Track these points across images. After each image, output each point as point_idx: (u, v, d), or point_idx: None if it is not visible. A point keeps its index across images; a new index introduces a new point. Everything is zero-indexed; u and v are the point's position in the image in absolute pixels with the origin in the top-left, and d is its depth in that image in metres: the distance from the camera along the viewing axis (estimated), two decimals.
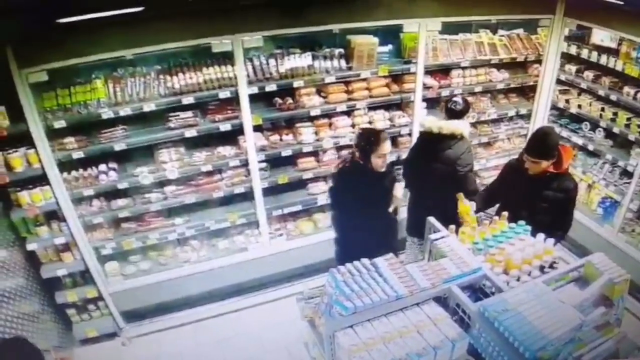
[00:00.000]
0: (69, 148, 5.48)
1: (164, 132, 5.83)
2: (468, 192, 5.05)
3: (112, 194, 5.94)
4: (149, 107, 5.55)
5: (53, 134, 5.34)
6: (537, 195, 4.91)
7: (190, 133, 5.84)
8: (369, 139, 4.97)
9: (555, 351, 2.86)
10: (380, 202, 5.28)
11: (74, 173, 5.67)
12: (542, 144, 4.77)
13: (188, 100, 5.66)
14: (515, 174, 5.10)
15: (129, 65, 5.66)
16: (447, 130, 5.41)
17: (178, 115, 5.83)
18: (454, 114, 5.53)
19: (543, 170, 4.82)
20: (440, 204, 4.99)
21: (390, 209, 5.38)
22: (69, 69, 5.08)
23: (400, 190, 5.56)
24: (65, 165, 5.56)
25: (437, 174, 5.48)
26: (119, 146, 5.64)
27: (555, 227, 4.85)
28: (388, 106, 6.78)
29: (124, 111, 5.48)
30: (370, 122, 6.64)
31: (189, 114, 5.86)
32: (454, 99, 5.58)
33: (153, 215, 6.26)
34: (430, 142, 5.52)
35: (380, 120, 6.68)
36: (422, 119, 5.89)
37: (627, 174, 6.73)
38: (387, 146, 4.95)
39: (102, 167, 5.81)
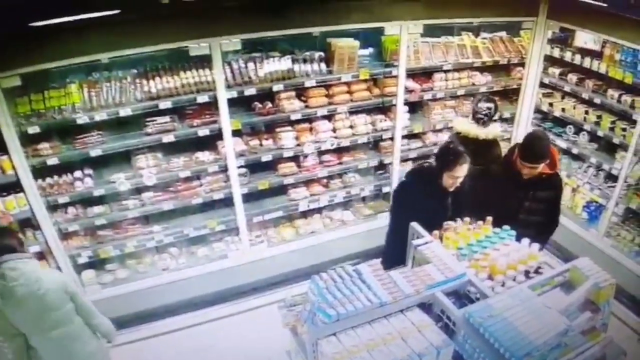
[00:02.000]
0: (43, 154, 5.37)
1: (141, 137, 5.73)
2: None
3: (88, 201, 5.82)
4: (125, 112, 5.45)
5: (27, 140, 5.23)
6: (532, 197, 4.95)
7: (167, 138, 5.75)
8: (447, 155, 4.78)
9: (541, 357, 2.83)
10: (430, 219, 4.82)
11: (48, 180, 5.55)
12: (538, 148, 4.77)
13: (165, 104, 5.58)
14: (505, 179, 5.07)
15: (104, 69, 5.55)
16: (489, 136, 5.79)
17: (155, 120, 5.73)
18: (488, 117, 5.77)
19: (538, 173, 4.83)
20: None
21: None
22: (43, 73, 4.99)
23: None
24: (40, 172, 5.44)
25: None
26: (94, 152, 5.54)
27: (549, 224, 5.09)
28: (369, 110, 6.72)
29: (100, 116, 5.37)
30: (351, 127, 6.59)
31: (167, 118, 5.77)
32: (490, 112, 5.77)
33: (130, 222, 6.15)
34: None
35: (362, 124, 6.62)
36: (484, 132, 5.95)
37: (611, 177, 6.73)
38: (461, 170, 4.68)
39: (78, 173, 5.71)
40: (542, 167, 4.78)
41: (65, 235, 5.82)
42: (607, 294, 3.46)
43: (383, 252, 5.40)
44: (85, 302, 4.59)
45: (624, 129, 6.38)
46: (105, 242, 6.04)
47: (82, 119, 5.32)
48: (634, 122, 6.14)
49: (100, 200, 5.89)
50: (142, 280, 6.26)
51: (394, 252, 4.63)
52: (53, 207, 5.63)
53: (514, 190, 4.95)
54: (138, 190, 5.99)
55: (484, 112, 5.71)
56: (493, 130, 5.80)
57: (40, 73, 4.94)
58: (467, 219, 4.34)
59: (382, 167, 7.09)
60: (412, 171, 5.29)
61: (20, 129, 5.13)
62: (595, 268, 3.54)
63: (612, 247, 6.60)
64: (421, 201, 4.74)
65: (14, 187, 5.25)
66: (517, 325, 2.96)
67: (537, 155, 4.74)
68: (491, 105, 5.88)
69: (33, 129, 5.17)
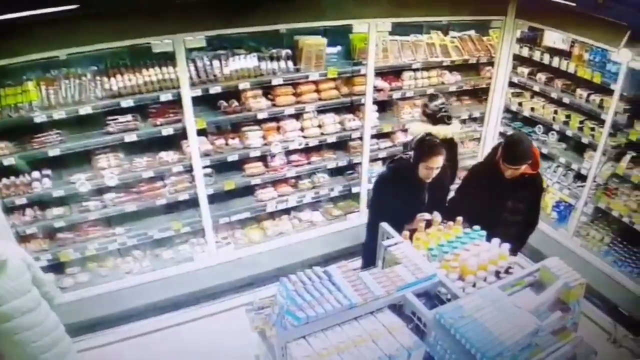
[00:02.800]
0: None
1: (102, 136, 5.59)
2: None
3: (46, 202, 5.66)
4: (85, 110, 5.31)
5: None
6: (515, 197, 4.97)
7: (130, 137, 5.62)
8: (423, 147, 4.83)
9: (512, 357, 2.82)
10: (408, 211, 4.95)
11: (4, 180, 5.40)
12: (521, 150, 4.76)
13: (127, 103, 5.44)
14: (488, 180, 5.05)
15: (63, 66, 5.40)
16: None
17: (117, 119, 5.59)
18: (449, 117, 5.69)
19: (520, 173, 4.82)
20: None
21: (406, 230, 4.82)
22: None
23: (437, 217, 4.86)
24: None
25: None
26: (53, 152, 5.38)
27: (530, 224, 5.18)
28: (338, 109, 6.67)
29: (59, 115, 5.22)
30: (320, 126, 6.53)
31: (129, 117, 5.64)
32: (444, 106, 5.69)
33: (92, 224, 6.00)
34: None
35: (331, 123, 6.57)
36: (443, 133, 5.65)
37: (580, 177, 6.78)
38: (436, 161, 4.74)
39: (36, 174, 5.55)
40: (524, 168, 4.79)
41: (23, 238, 5.64)
42: (577, 294, 3.45)
43: (363, 244, 5.57)
44: (38, 270, 4.63)
45: (592, 129, 6.41)
46: (66, 245, 5.87)
47: (39, 117, 5.16)
48: (603, 122, 6.17)
49: (59, 202, 5.74)
50: (105, 284, 6.09)
51: (374, 245, 4.54)
52: (10, 209, 5.47)
53: (497, 190, 4.94)
54: (99, 191, 5.84)
55: (439, 109, 5.67)
56: (453, 129, 5.75)
57: None
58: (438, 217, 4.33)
59: (351, 167, 7.00)
60: (391, 162, 5.26)
61: None
62: (565, 268, 3.53)
63: (581, 246, 6.63)
64: (399, 193, 4.85)
65: None
66: (488, 325, 2.93)
67: (520, 157, 4.74)
68: (441, 101, 5.84)
69: None
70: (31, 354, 4.55)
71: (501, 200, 4.95)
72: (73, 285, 6.01)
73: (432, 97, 6.00)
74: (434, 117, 5.72)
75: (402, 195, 4.88)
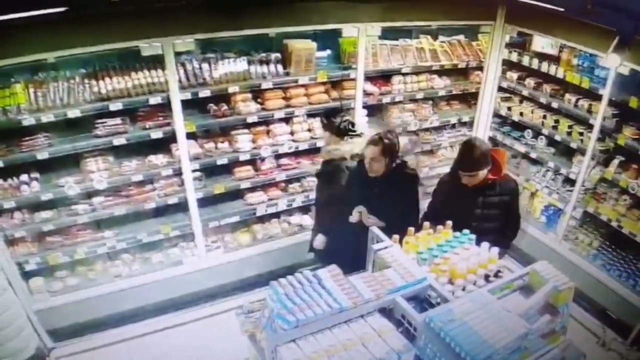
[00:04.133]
0: None
1: (91, 139, 5.56)
2: None
3: (35, 205, 5.62)
4: (73, 113, 5.29)
5: None
6: (482, 204, 4.87)
7: (119, 141, 5.59)
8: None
9: None
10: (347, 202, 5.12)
11: None
12: (472, 156, 4.68)
13: (116, 106, 5.42)
14: (453, 189, 5.00)
15: (51, 69, 5.36)
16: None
17: (105, 122, 5.57)
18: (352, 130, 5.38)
19: (483, 180, 4.76)
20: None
21: (352, 217, 5.09)
22: None
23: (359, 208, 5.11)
24: None
25: None
26: (41, 155, 5.34)
27: (509, 229, 5.05)
28: None
29: (47, 118, 5.19)
30: (309, 130, 6.53)
31: (118, 120, 5.62)
32: (346, 119, 5.36)
33: (80, 227, 5.96)
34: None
35: (320, 127, 6.46)
36: (348, 148, 5.38)
37: (569, 181, 6.80)
38: (367, 152, 4.79)
39: (24, 177, 5.49)
40: (483, 174, 4.72)
41: (11, 242, 5.61)
42: (566, 297, 3.48)
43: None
44: None
45: (581, 134, 6.45)
46: (54, 249, 5.83)
47: (27, 120, 5.13)
48: (591, 127, 6.23)
49: (48, 205, 5.68)
50: (94, 288, 6.06)
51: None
52: None
53: (463, 199, 4.89)
54: (88, 195, 5.81)
55: (340, 122, 5.33)
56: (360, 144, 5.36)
57: None
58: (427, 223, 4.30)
59: None
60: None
61: None
62: (554, 271, 3.55)
63: (570, 250, 6.66)
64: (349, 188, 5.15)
65: None
66: (477, 329, 2.94)
67: (471, 164, 4.69)
68: (343, 113, 5.51)
69: None
70: (13, 333, 4.59)
71: (468, 208, 4.86)
72: (62, 288, 5.98)
73: (333, 111, 5.66)
74: (338, 131, 5.36)
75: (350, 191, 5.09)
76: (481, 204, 4.86)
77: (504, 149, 6.00)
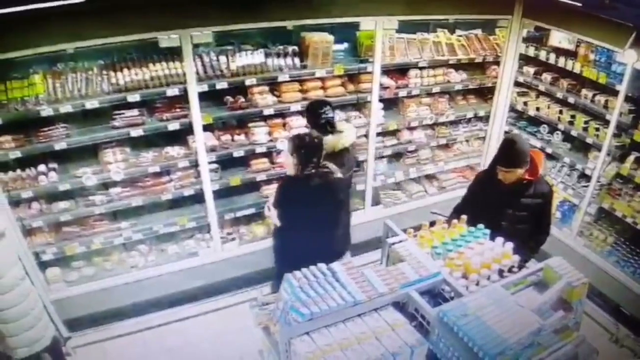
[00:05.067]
0: (5, 147, 5.19)
1: (108, 131, 5.58)
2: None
3: (52, 196, 5.65)
4: (91, 104, 5.30)
5: None
6: (515, 205, 4.81)
7: (136, 132, 5.61)
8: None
9: (514, 356, 2.80)
10: None
11: (11, 174, 5.38)
12: (513, 152, 4.63)
13: (134, 97, 5.43)
14: (488, 186, 4.96)
15: (69, 59, 5.38)
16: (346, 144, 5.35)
17: (123, 114, 5.59)
18: (332, 126, 5.35)
19: (518, 179, 4.71)
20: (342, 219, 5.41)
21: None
22: (5, 63, 4.79)
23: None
24: (2, 166, 5.29)
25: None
26: (59, 145, 5.37)
27: (539, 233, 4.97)
28: (344, 106, 6.67)
29: (65, 108, 5.21)
30: None
31: (135, 112, 5.64)
32: (327, 113, 5.33)
33: (97, 218, 6.00)
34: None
35: (336, 120, 6.48)
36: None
37: (585, 177, 6.78)
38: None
39: (42, 167, 5.53)
40: (521, 173, 4.67)
41: (29, 232, 5.66)
42: (580, 293, 3.46)
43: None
44: None
45: (597, 129, 6.42)
46: (71, 239, 5.87)
47: (46, 111, 5.15)
48: (607, 122, 6.19)
49: (65, 196, 5.72)
50: (110, 278, 6.11)
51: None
52: (16, 202, 5.47)
53: (497, 197, 4.84)
54: (105, 186, 5.84)
55: (321, 117, 5.35)
56: (346, 137, 5.43)
57: (1, 63, 4.76)
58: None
59: (356, 164, 6.98)
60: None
61: None
62: (568, 267, 3.54)
63: (584, 246, 6.63)
64: None
65: None
66: (490, 324, 2.93)
67: (511, 159, 4.64)
68: (325, 108, 5.45)
69: None
70: (30, 323, 4.62)
71: (501, 208, 4.82)
72: (78, 278, 6.02)
73: (314, 105, 5.61)
74: (319, 127, 5.35)
75: None
76: (514, 204, 4.81)
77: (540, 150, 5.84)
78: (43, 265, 5.83)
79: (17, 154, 5.24)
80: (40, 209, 5.64)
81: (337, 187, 5.01)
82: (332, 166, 4.90)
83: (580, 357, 3.12)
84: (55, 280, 5.89)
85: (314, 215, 4.79)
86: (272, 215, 5.04)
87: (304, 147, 4.71)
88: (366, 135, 6.77)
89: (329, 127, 5.23)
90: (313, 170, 4.77)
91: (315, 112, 5.32)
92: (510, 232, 4.19)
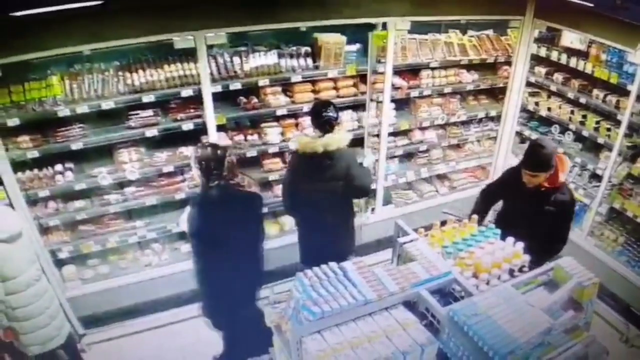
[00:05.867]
0: (23, 147, 5.26)
1: (124, 131, 5.65)
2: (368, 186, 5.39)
3: (68, 195, 5.73)
4: (107, 105, 5.37)
5: (6, 132, 5.12)
6: (536, 210, 4.76)
7: (151, 132, 5.68)
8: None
9: (524, 355, 2.81)
10: None
11: (28, 173, 5.45)
12: (537, 156, 4.60)
13: (149, 98, 5.49)
14: (515, 183, 4.90)
15: (86, 61, 5.46)
16: (335, 146, 5.09)
17: (138, 114, 5.65)
18: (332, 126, 5.18)
19: (540, 184, 4.68)
20: (338, 222, 5.42)
21: None
22: (23, 64, 4.87)
23: None
24: (19, 165, 5.35)
25: (330, 193, 5.25)
26: (76, 145, 5.44)
27: (556, 240, 4.84)
28: (355, 107, 6.68)
29: (81, 109, 5.28)
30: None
31: (150, 112, 5.70)
32: (328, 112, 5.15)
33: (112, 217, 6.07)
34: (313, 161, 5.12)
35: (348, 121, 6.60)
36: (296, 139, 5.34)
37: (596, 177, 6.76)
38: None
39: (58, 167, 5.61)
40: (545, 177, 4.63)
41: (45, 230, 5.73)
42: (591, 293, 3.46)
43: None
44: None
45: (608, 129, 6.40)
46: (87, 237, 5.95)
47: (63, 111, 5.22)
48: (619, 123, 6.17)
49: (81, 195, 5.80)
50: (124, 277, 6.18)
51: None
52: (33, 201, 5.55)
53: (518, 197, 4.87)
54: (120, 185, 5.91)
55: (325, 117, 5.19)
56: (340, 137, 5.18)
57: (20, 64, 4.82)
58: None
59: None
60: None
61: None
62: (579, 267, 3.53)
63: (595, 246, 6.63)
64: None
65: None
66: (501, 323, 2.94)
67: (537, 163, 4.60)
68: (330, 107, 5.28)
69: (13, 121, 5.06)
70: (44, 322, 4.67)
71: (525, 210, 4.78)
72: (93, 276, 6.10)
73: (318, 105, 5.40)
74: (320, 126, 5.21)
75: None
76: (535, 209, 4.75)
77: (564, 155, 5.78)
78: (59, 264, 5.90)
79: (35, 153, 5.31)
80: (56, 208, 5.72)
81: (248, 204, 4.75)
82: (248, 179, 4.87)
83: (590, 357, 3.13)
84: (70, 278, 5.96)
85: (221, 238, 4.51)
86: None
87: (203, 158, 4.41)
88: (378, 135, 6.79)
89: (328, 126, 5.15)
90: (217, 183, 4.47)
91: (317, 112, 5.23)
92: (528, 235, 4.16)
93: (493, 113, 7.63)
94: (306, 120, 6.32)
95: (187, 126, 5.78)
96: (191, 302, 6.44)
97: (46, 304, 4.72)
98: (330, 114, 5.14)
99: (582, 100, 6.67)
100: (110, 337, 6.20)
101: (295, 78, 6.06)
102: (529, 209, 4.76)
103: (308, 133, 5.40)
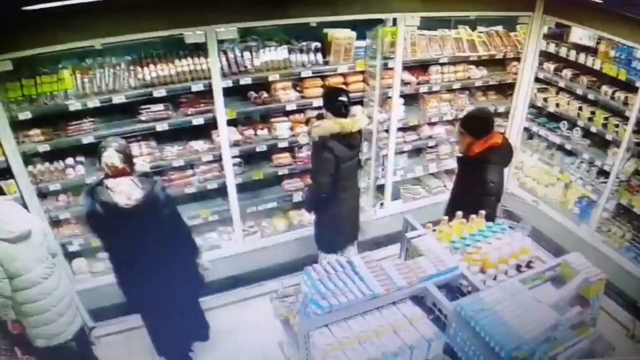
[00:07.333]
0: (34, 140, 5.32)
1: (134, 125, 5.68)
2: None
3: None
4: (118, 99, 5.41)
5: (18, 126, 5.16)
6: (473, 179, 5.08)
7: (161, 127, 5.71)
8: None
9: (530, 351, 2.82)
10: None
11: (39, 166, 5.50)
12: (470, 116, 5.17)
13: (159, 92, 5.53)
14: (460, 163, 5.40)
15: (97, 55, 5.51)
16: (358, 126, 5.46)
17: (149, 108, 5.69)
18: (347, 110, 5.36)
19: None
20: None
21: None
22: (35, 58, 4.92)
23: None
24: (31, 158, 5.41)
25: (355, 166, 5.79)
26: (87, 139, 5.48)
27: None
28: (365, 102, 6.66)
29: (93, 103, 5.33)
30: None
31: (161, 107, 5.73)
32: (341, 98, 5.31)
33: None
34: (345, 141, 5.38)
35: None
36: (320, 126, 5.38)
37: (603, 173, 6.72)
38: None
39: (70, 160, 5.67)
40: (469, 142, 5.13)
41: (55, 223, 5.78)
42: (597, 289, 3.47)
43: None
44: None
45: (616, 125, 6.38)
46: None
47: (74, 105, 5.27)
48: (627, 119, 6.14)
49: None
50: None
51: None
52: (44, 195, 5.59)
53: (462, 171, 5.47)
54: None
55: (340, 102, 5.33)
56: (360, 121, 5.48)
57: (32, 58, 4.87)
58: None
59: (376, 159, 7.05)
60: None
61: (11, 114, 5.05)
62: (586, 263, 3.54)
63: (602, 242, 6.61)
64: None
65: (4, 173, 5.22)
66: (507, 319, 2.95)
67: (465, 121, 5.23)
68: (343, 93, 5.48)
69: (24, 115, 5.11)
70: (50, 319, 4.70)
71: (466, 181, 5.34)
72: (103, 269, 6.09)
73: (331, 90, 5.81)
74: (335, 110, 5.33)
75: None
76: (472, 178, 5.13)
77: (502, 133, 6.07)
78: (69, 257, 5.95)
79: (46, 147, 5.35)
80: (67, 201, 5.76)
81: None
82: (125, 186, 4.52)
83: (596, 353, 3.16)
84: (81, 271, 6.01)
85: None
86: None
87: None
88: (387, 130, 6.82)
89: (344, 109, 5.28)
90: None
91: (331, 97, 5.36)
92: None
93: (502, 109, 7.61)
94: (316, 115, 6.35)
95: (198, 121, 5.80)
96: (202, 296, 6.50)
97: (54, 301, 4.72)
98: (344, 98, 5.28)
99: (591, 96, 6.66)
100: (119, 329, 6.24)
101: (305, 73, 6.09)
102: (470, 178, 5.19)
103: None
